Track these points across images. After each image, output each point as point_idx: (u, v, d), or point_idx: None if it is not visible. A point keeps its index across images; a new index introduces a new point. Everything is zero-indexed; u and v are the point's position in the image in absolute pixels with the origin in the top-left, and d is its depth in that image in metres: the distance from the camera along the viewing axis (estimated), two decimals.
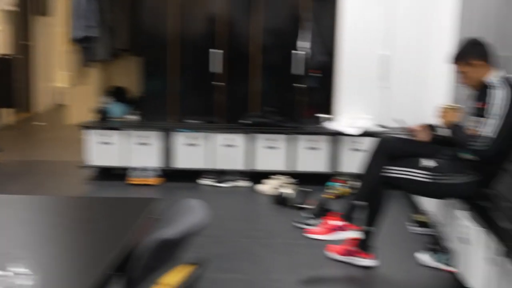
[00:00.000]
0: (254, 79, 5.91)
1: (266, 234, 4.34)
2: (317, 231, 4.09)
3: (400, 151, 3.72)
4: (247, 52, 5.87)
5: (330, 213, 4.15)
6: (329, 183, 5.35)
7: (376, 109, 5.70)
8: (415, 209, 4.75)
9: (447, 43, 4.44)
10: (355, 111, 5.70)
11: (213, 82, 5.88)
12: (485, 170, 3.36)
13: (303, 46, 5.79)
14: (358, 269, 3.72)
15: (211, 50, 5.83)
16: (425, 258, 3.78)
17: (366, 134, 5.47)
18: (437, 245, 3.80)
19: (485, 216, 3.14)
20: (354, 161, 5.14)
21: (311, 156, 5.64)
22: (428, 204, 4.43)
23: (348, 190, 5.17)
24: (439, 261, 3.73)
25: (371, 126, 5.58)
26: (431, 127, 3.79)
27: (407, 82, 5.61)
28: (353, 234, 3.81)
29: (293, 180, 5.50)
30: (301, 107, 5.93)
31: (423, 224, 4.37)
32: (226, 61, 5.85)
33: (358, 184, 3.94)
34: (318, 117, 5.85)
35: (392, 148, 3.78)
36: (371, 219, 3.68)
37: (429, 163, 3.46)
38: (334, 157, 5.65)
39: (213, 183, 5.61)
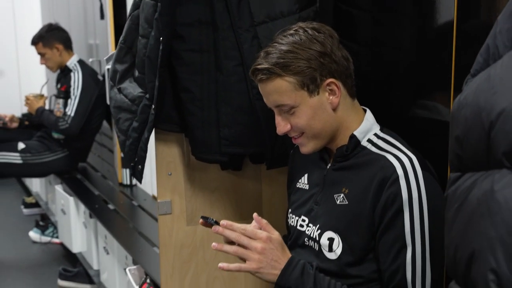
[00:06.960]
0: None
1: None
2: None
3: None
4: None
5: None
6: None
7: None
8: (27, 192, 4.95)
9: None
10: None
11: None
12: (73, 146, 3.73)
13: None
14: None
15: None
16: (35, 235, 4.02)
17: None
18: (44, 221, 4.07)
19: (76, 186, 3.53)
20: None
21: None
22: (36, 185, 4.68)
23: None
24: (47, 235, 4.01)
25: None
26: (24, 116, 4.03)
27: None
28: None
29: None
30: None
31: (33, 205, 4.59)
32: None
33: None
34: None
35: None
36: None
37: (21, 145, 3.68)
38: None
39: None
